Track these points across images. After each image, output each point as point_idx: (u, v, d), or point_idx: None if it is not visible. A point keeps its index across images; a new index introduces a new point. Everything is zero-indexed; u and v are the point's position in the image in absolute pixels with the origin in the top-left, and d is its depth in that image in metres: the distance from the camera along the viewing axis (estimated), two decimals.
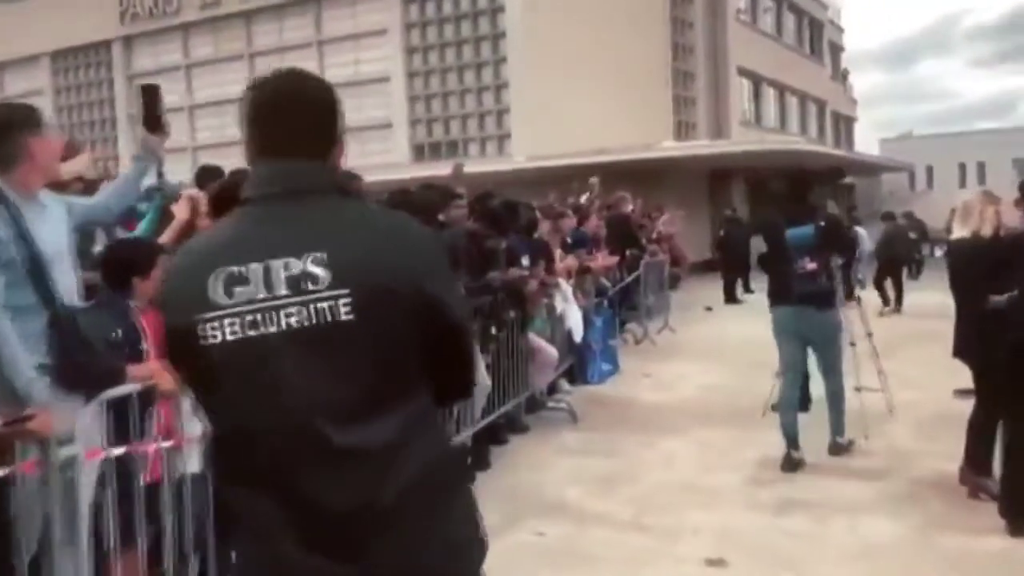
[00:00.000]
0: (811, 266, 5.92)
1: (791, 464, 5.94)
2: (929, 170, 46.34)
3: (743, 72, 30.10)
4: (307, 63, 31.53)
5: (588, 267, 9.32)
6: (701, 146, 26.16)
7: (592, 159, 23.13)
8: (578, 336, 8.70)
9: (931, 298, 15.82)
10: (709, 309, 16.47)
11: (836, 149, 33.29)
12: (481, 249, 5.96)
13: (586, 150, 23.73)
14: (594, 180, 13.35)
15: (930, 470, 5.74)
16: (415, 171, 27.20)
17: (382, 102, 30.47)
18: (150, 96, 3.61)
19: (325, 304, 1.62)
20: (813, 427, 6.82)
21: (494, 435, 6.66)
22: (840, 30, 43.80)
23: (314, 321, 1.62)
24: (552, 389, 8.31)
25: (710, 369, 9.83)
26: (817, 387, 7.49)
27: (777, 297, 6.18)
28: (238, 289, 1.64)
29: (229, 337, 1.63)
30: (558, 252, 8.67)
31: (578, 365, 9.03)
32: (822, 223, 6.10)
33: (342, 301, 1.61)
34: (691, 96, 27.96)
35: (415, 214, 5.49)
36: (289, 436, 1.63)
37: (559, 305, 8.18)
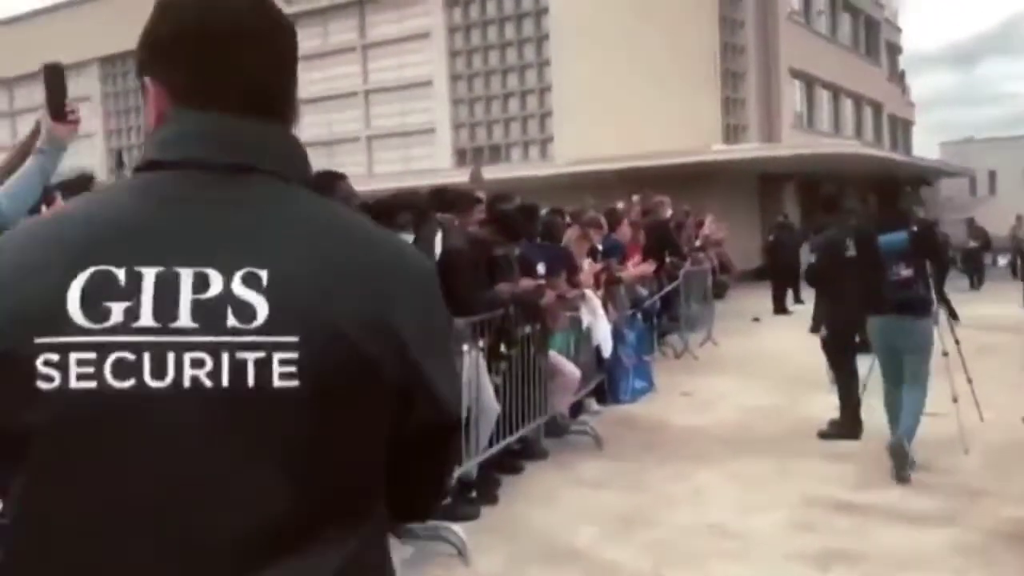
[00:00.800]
0: (906, 273, 5.83)
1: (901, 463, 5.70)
2: (992, 175, 44.59)
3: (795, 73, 29.10)
4: (351, 67, 31.60)
5: (618, 277, 8.65)
6: (751, 149, 25.28)
7: (638, 163, 22.49)
8: (607, 352, 8.04)
9: (992, 309, 14.96)
10: (756, 320, 15.66)
11: (893, 153, 32.04)
12: (489, 258, 5.36)
13: (631, 154, 23.08)
14: (636, 199, 12.72)
15: (1006, 518, 4.98)
16: (458, 176, 26.84)
17: (425, 106, 30.13)
18: (54, 78, 3.04)
19: (252, 356, 0.98)
20: (867, 461, 6.10)
21: (507, 463, 6.04)
22: (898, 30, 42.39)
23: (231, 383, 0.98)
24: (579, 409, 7.67)
25: (753, 387, 9.10)
26: (870, 414, 6.80)
27: (871, 306, 6.07)
28: (111, 305, 0.98)
29: (75, 384, 0.96)
30: (587, 261, 8.03)
31: (608, 383, 8.37)
32: (915, 229, 5.94)
33: (280, 356, 0.99)
34: (741, 98, 27.07)
35: (406, 210, 4.99)
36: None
37: (585, 319, 7.53)
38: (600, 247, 8.97)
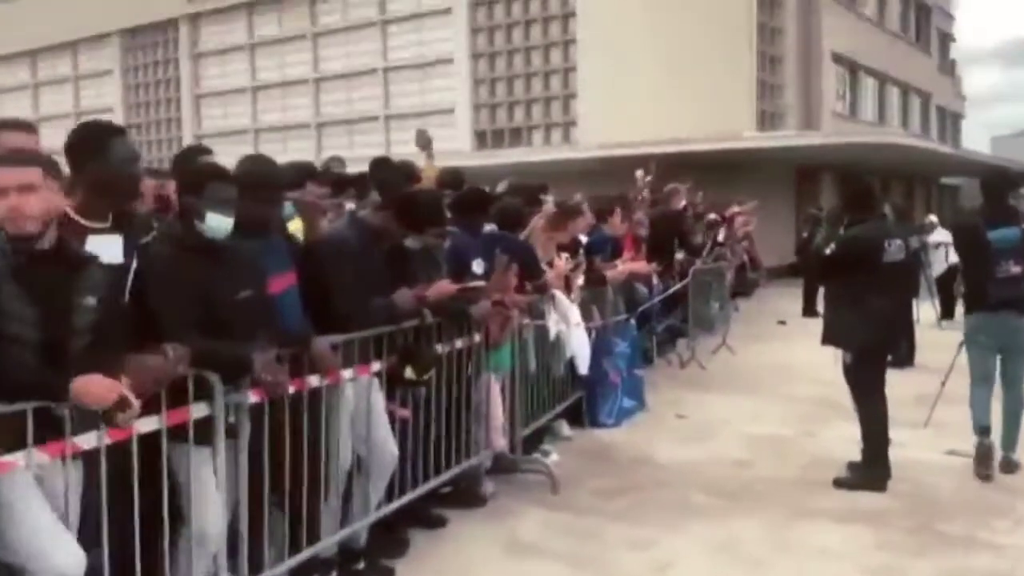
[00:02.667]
0: (1016, 270, 5.68)
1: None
2: None
3: (838, 58, 27.31)
4: (370, 43, 30.33)
5: (602, 276, 7.27)
6: (788, 137, 23.64)
7: (665, 149, 20.96)
8: (583, 366, 6.68)
9: None
10: (782, 323, 14.20)
11: (941, 145, 30.13)
12: (393, 253, 4.04)
13: (659, 139, 21.56)
14: (639, 173, 11.34)
15: None
16: (476, 159, 25.51)
17: (445, 84, 28.80)
18: None
19: None
20: (895, 524, 4.72)
21: (426, 513, 4.73)
22: (950, 18, 40.22)
23: None
24: (541, 435, 6.33)
25: (764, 409, 7.70)
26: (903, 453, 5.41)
27: (973, 303, 5.98)
28: None
29: None
30: (563, 257, 6.67)
31: (587, 402, 7.02)
32: None
33: None
34: (778, 83, 25.39)
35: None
36: None
37: (553, 327, 6.18)
38: (584, 240, 7.62)
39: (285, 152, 31.98)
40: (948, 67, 40.31)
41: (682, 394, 8.30)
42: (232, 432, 3.15)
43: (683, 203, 10.78)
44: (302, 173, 3.99)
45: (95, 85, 37.79)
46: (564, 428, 6.71)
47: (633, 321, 8.02)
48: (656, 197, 10.37)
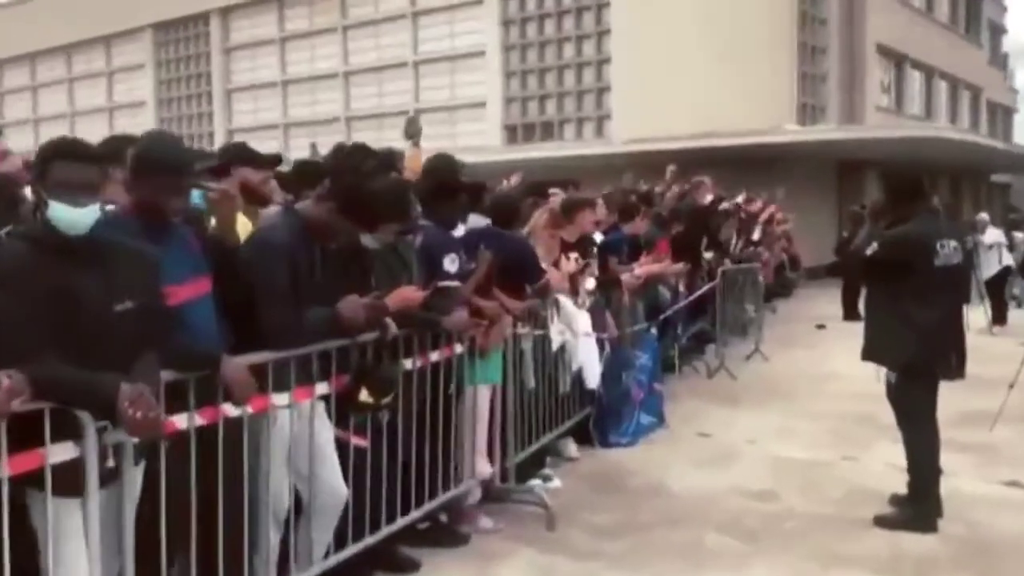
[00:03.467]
0: None
1: None
2: None
3: (883, 50, 26.21)
4: (401, 35, 29.74)
5: (616, 278, 6.56)
6: (830, 131, 22.66)
7: (701, 143, 20.21)
8: (592, 380, 6.00)
9: None
10: (821, 327, 13.37)
11: (992, 140, 28.86)
12: (346, 254, 3.37)
13: (695, 133, 20.79)
14: (671, 167, 10.65)
15: None
16: (507, 154, 24.84)
17: (476, 79, 28.15)
18: None
19: None
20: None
21: (396, 557, 4.07)
22: (1003, 8, 38.71)
23: None
24: (544, 455, 5.65)
25: (798, 427, 6.94)
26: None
27: None
28: None
29: None
30: (571, 258, 5.97)
31: (596, 419, 6.32)
32: None
33: None
34: (820, 74, 24.39)
35: None
36: None
37: (557, 336, 5.50)
38: (599, 238, 6.91)
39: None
40: (1000, 60, 38.84)
41: (706, 408, 7.57)
42: (111, 478, 2.52)
43: (709, 198, 9.99)
44: (230, 155, 3.34)
45: (128, 79, 37.70)
46: (570, 448, 6.02)
47: (654, 330, 7.28)
48: (682, 191, 9.60)
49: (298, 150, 31.77)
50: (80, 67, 39.29)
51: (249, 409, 3.02)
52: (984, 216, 15.29)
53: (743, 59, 22.62)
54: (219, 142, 34.37)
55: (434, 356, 4.07)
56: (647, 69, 23.68)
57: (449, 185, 4.40)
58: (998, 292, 13.24)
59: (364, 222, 3.25)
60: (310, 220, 3.20)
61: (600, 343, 6.17)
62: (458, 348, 4.27)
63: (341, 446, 3.52)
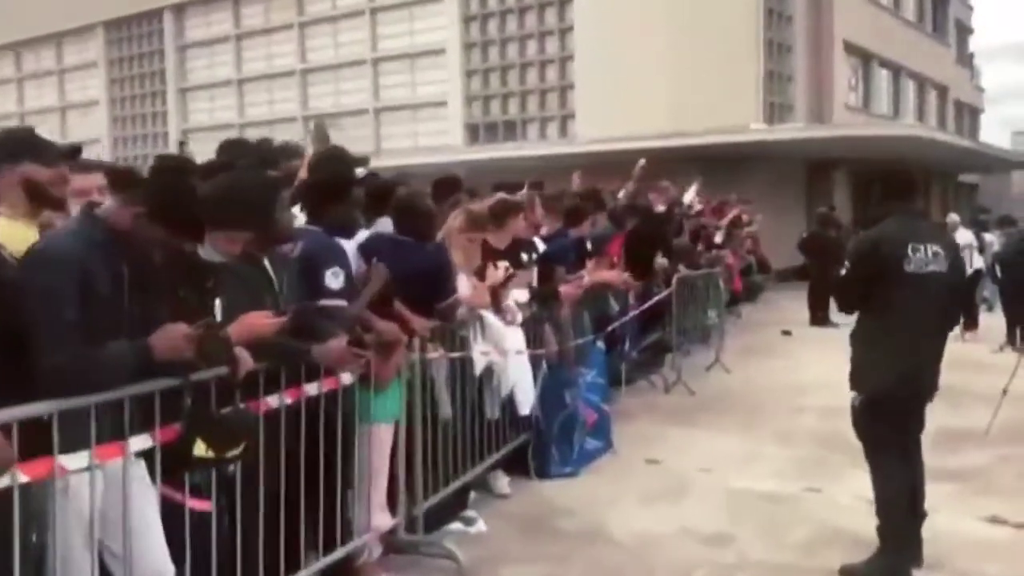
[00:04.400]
0: None
1: None
2: None
3: (851, 48, 25.79)
4: (359, 33, 28.92)
5: (553, 290, 5.86)
6: (797, 129, 22.15)
7: (666, 143, 19.61)
8: (526, 406, 5.30)
9: None
10: (787, 334, 12.76)
11: (962, 139, 28.51)
12: (175, 270, 2.64)
13: (660, 133, 20.15)
14: (642, 162, 9.98)
15: None
16: (469, 155, 24.12)
17: (436, 77, 27.39)
18: None
19: None
20: None
21: None
22: (968, 8, 38.55)
23: None
24: (468, 494, 4.94)
25: (759, 452, 6.28)
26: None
27: None
28: None
29: None
30: (500, 267, 5.26)
31: (536, 448, 5.62)
32: None
33: None
34: (786, 73, 23.89)
35: None
36: None
37: (481, 358, 4.79)
38: (541, 244, 6.22)
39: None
40: (966, 59, 38.66)
41: (660, 429, 6.89)
42: None
43: (661, 207, 9.33)
44: (9, 145, 2.60)
45: (80, 78, 36.58)
46: (501, 482, 5.31)
47: (601, 344, 6.59)
48: (636, 191, 8.91)
49: None
50: (30, 66, 38.09)
51: (22, 477, 2.28)
52: (954, 217, 14.81)
53: (709, 57, 22.09)
54: (174, 143, 33.37)
55: (311, 390, 3.35)
56: (611, 67, 23.09)
57: (339, 184, 3.67)
58: (969, 296, 12.70)
59: (184, 230, 2.52)
60: (113, 229, 2.47)
61: (536, 361, 5.47)
62: (346, 379, 3.55)
63: (175, 509, 2.79)
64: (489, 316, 4.81)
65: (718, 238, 13.06)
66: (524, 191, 6.58)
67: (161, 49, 33.82)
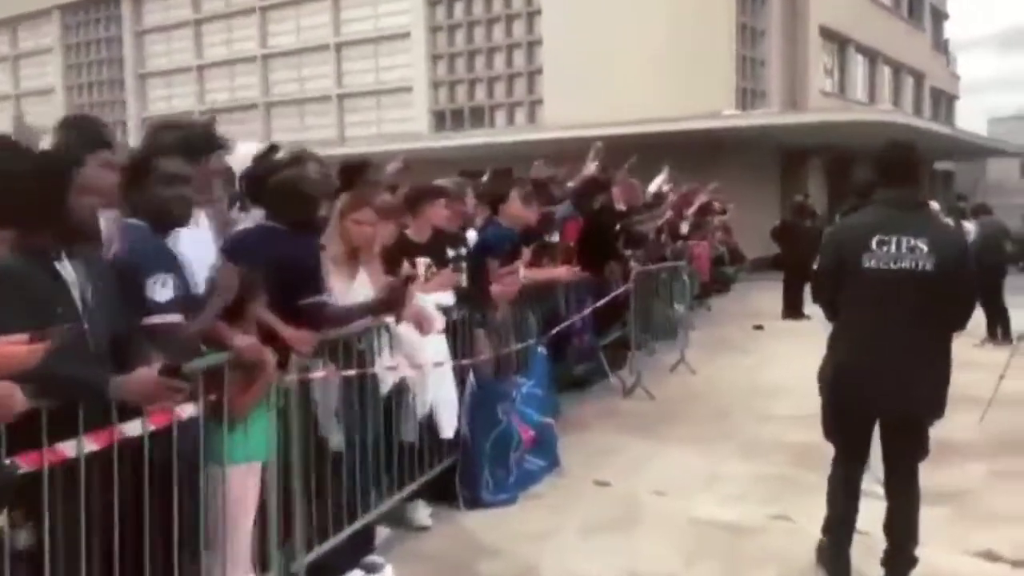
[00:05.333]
0: None
1: None
2: None
3: (826, 33, 25.17)
4: (322, 17, 27.98)
5: (483, 290, 5.11)
6: (770, 115, 21.51)
7: (634, 129, 18.89)
8: (449, 428, 4.56)
9: None
10: (759, 328, 12.07)
11: (939, 125, 27.96)
12: None
13: (631, 119, 19.46)
14: (598, 145, 9.36)
15: None
16: (435, 141, 23.33)
17: (401, 61, 26.54)
18: None
19: None
20: None
21: None
22: None
23: None
24: (372, 534, 4.20)
25: (719, 470, 5.56)
26: None
27: None
28: None
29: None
30: (419, 264, 4.51)
31: (463, 473, 4.88)
32: None
33: None
34: (760, 57, 23.24)
35: None
36: None
37: (389, 376, 4.04)
38: (474, 235, 5.48)
39: (233, 135, 29.67)
40: (942, 46, 38.19)
41: (613, 441, 6.18)
42: None
43: (627, 206, 8.64)
44: None
45: (36, 64, 35.40)
46: (421, 514, 4.56)
47: (543, 349, 5.84)
48: (590, 177, 8.19)
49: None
50: None
51: None
52: (934, 205, 14.11)
53: (680, 42, 21.44)
54: (133, 132, 32.32)
55: (131, 430, 2.59)
56: (580, 51, 22.41)
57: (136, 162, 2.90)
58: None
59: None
60: None
61: (462, 373, 4.74)
62: (189, 411, 2.79)
63: None
64: (397, 327, 4.05)
65: (684, 228, 12.39)
66: (455, 179, 5.82)
67: (119, 35, 32.73)
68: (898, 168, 3.69)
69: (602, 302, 7.22)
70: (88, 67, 34.01)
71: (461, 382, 4.75)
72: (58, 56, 34.34)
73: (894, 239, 3.50)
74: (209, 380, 2.87)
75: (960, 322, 3.72)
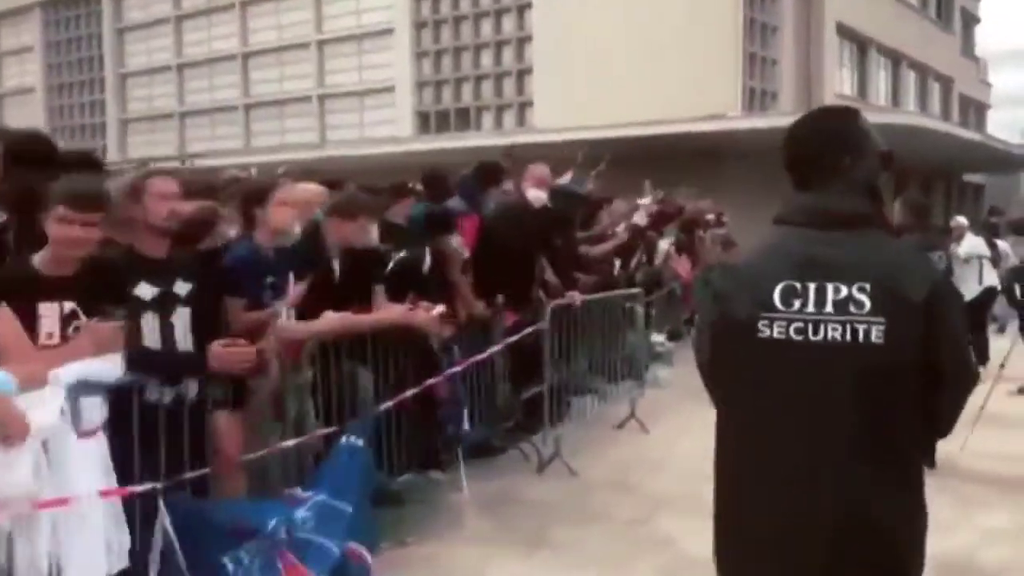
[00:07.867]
0: None
1: None
2: None
3: (844, 31, 23.19)
4: (303, 12, 26.29)
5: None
6: (779, 117, 19.50)
7: (636, 132, 17.21)
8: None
9: None
10: None
11: (969, 131, 25.80)
12: None
13: (628, 122, 17.71)
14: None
15: None
16: (419, 144, 21.61)
17: (383, 59, 24.80)
18: None
19: None
20: None
21: None
22: None
23: None
24: None
25: None
26: None
27: None
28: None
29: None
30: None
31: None
32: None
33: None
34: (771, 56, 21.29)
35: None
36: None
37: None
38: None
39: (213, 139, 28.12)
40: (971, 50, 35.90)
41: (485, 562, 4.20)
42: None
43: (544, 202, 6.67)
44: None
45: (17, 63, 34.04)
46: None
47: (357, 439, 3.82)
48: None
49: (196, 141, 28.41)
50: None
51: None
52: (961, 220, 11.89)
53: (682, 38, 19.79)
54: (111, 134, 30.82)
55: None
56: (573, 48, 20.80)
57: None
58: (979, 322, 9.90)
59: None
60: None
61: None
62: None
63: None
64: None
65: (664, 245, 10.47)
66: None
67: (99, 32, 31.28)
68: (821, 153, 1.83)
69: (481, 356, 5.19)
70: (68, 66, 32.59)
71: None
72: (38, 54, 32.95)
73: (811, 287, 1.86)
74: None
75: (945, 425, 1.95)
